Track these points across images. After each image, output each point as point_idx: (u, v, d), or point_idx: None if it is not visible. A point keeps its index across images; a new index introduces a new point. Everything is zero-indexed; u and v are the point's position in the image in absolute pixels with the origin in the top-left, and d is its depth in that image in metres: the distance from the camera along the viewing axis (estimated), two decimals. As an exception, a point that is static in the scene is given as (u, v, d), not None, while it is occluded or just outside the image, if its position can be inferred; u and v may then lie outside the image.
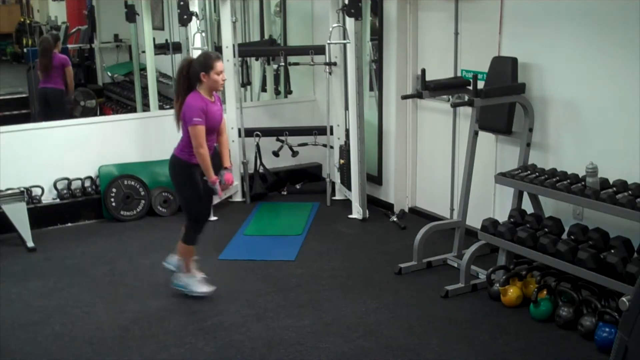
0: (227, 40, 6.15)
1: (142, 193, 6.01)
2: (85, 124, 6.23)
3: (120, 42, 10.19)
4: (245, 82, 6.87)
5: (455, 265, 4.74)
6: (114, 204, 5.92)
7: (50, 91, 7.56)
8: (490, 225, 4.40)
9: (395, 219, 5.76)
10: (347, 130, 6.13)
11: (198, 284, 4.38)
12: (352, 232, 5.60)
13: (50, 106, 7.51)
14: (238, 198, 6.40)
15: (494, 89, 4.48)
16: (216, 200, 5.93)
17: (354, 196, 5.93)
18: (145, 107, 7.64)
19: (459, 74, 5.23)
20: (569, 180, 4.06)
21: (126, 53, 10.03)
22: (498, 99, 4.46)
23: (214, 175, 4.16)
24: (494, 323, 4.03)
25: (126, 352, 3.79)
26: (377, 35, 5.89)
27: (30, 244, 5.33)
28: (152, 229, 5.71)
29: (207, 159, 4.10)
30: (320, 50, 6.18)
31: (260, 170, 6.48)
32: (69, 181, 5.94)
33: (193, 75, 4.13)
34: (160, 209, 6.03)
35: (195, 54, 5.62)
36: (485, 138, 4.81)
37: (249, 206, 6.28)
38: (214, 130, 4.21)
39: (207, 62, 4.11)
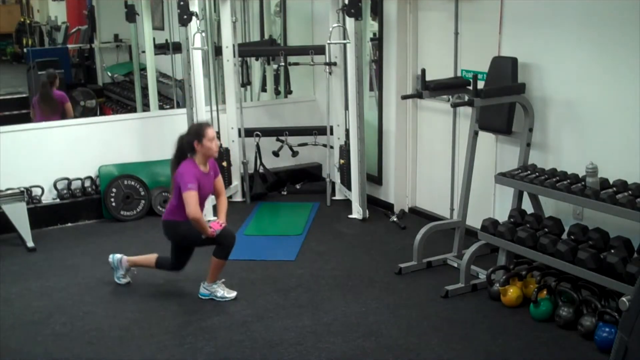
0: (227, 40, 6.15)
1: (142, 193, 6.01)
2: (85, 124, 6.23)
3: (120, 42, 10.19)
4: (245, 82, 6.86)
5: (455, 265, 4.74)
6: (114, 204, 5.92)
7: None
8: (490, 225, 4.40)
9: (395, 219, 5.76)
10: (347, 130, 6.13)
11: (226, 290, 4.41)
12: (352, 232, 5.60)
13: None
14: (238, 198, 6.40)
15: (494, 89, 4.48)
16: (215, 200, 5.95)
17: (354, 196, 5.93)
18: (145, 107, 7.65)
19: (459, 74, 5.23)
20: (569, 180, 4.06)
21: (126, 53, 10.03)
22: (498, 99, 4.46)
23: (209, 229, 4.24)
24: (494, 323, 4.03)
25: (126, 352, 3.79)
26: (377, 35, 5.89)
27: (30, 244, 5.34)
28: (152, 229, 5.70)
29: (202, 221, 4.22)
30: (320, 50, 6.18)
31: (260, 170, 6.48)
32: (69, 181, 5.95)
33: (187, 147, 4.25)
34: (160, 209, 6.03)
35: (196, 54, 5.64)
36: (485, 138, 4.81)
37: (249, 206, 6.28)
38: (202, 200, 4.30)
39: (198, 131, 4.25)
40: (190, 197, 4.13)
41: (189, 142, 4.23)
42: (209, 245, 4.33)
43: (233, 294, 4.41)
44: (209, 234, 4.24)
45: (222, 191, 4.52)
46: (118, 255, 4.64)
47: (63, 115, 7.26)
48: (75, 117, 7.75)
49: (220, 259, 4.34)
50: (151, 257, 4.56)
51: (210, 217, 5.39)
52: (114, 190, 5.92)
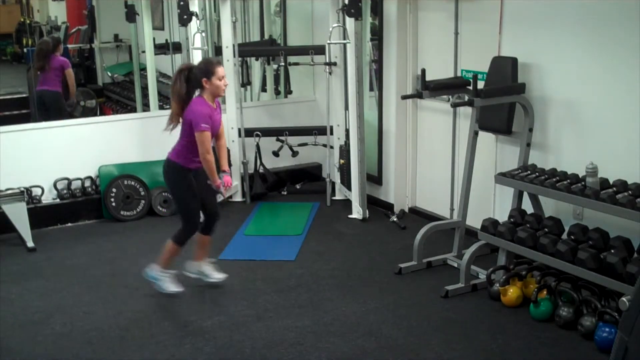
0: (227, 40, 6.15)
1: (142, 193, 6.01)
2: (85, 124, 6.23)
3: (120, 42, 10.18)
4: (245, 82, 6.87)
5: (455, 265, 4.74)
6: (114, 204, 5.92)
7: (46, 93, 7.44)
8: (490, 225, 4.40)
9: (395, 219, 5.76)
10: (347, 130, 6.13)
11: (170, 283, 4.38)
12: (352, 232, 5.60)
13: (47, 109, 7.40)
14: (238, 198, 6.40)
15: (494, 89, 4.48)
16: (218, 199, 5.94)
17: (354, 196, 5.93)
18: (145, 107, 7.64)
19: (459, 74, 5.23)
20: (569, 180, 4.06)
21: (126, 53, 10.02)
22: (498, 99, 4.46)
23: (218, 179, 4.19)
24: (494, 323, 4.03)
25: (126, 352, 3.80)
26: (377, 35, 5.89)
27: (30, 244, 5.34)
28: (152, 229, 5.71)
29: (213, 164, 4.15)
30: (320, 50, 6.18)
31: (260, 170, 6.48)
32: (69, 181, 5.95)
33: (194, 81, 4.15)
34: (160, 209, 6.04)
35: (196, 54, 5.65)
36: (485, 138, 4.81)
37: (249, 206, 6.28)
38: (212, 136, 4.23)
39: (208, 67, 4.14)
40: (204, 137, 4.05)
41: (197, 79, 4.13)
42: (183, 213, 4.27)
43: (176, 289, 4.36)
44: (216, 183, 4.17)
45: (222, 133, 4.41)
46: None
47: (64, 82, 7.38)
48: (75, 117, 7.77)
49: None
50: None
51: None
52: (114, 190, 5.92)
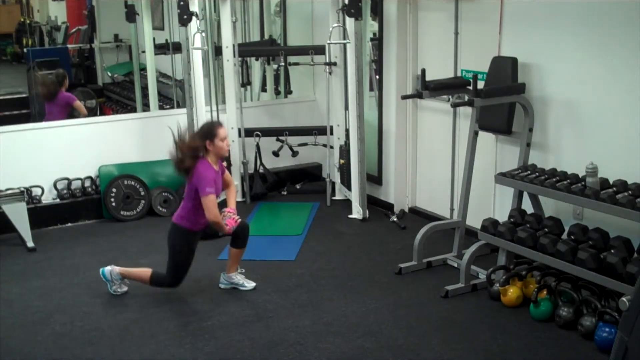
0: (227, 40, 6.15)
1: (142, 193, 6.01)
2: (85, 124, 6.23)
3: (120, 42, 10.19)
4: (245, 82, 6.87)
5: (455, 265, 4.74)
6: (114, 204, 5.92)
7: None
8: (490, 225, 4.40)
9: (395, 219, 5.76)
10: (347, 130, 6.13)
11: (118, 286, 4.47)
12: (352, 232, 5.60)
13: None
14: (238, 198, 6.39)
15: (494, 89, 4.48)
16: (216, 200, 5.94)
17: (354, 196, 5.93)
18: (145, 107, 7.64)
19: (459, 74, 5.23)
20: (569, 180, 4.06)
21: (126, 53, 10.03)
22: (498, 99, 4.46)
23: (226, 227, 4.29)
24: (494, 323, 4.03)
25: (126, 352, 3.79)
26: (377, 35, 5.89)
27: (30, 244, 5.33)
28: (152, 229, 5.71)
29: (221, 222, 4.24)
30: (320, 50, 6.18)
31: (260, 170, 6.48)
32: (69, 181, 5.95)
33: (200, 142, 4.24)
34: (160, 209, 6.03)
35: (196, 54, 5.64)
36: (485, 138, 4.81)
37: (249, 206, 6.28)
38: (217, 195, 4.33)
39: (210, 130, 4.25)
40: (210, 202, 4.14)
41: (202, 141, 4.23)
42: (173, 268, 4.34)
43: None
44: (226, 232, 4.29)
45: (231, 181, 4.55)
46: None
47: (73, 114, 6.99)
48: (76, 117, 7.76)
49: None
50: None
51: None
52: (114, 190, 5.92)
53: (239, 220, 4.38)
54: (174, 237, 4.32)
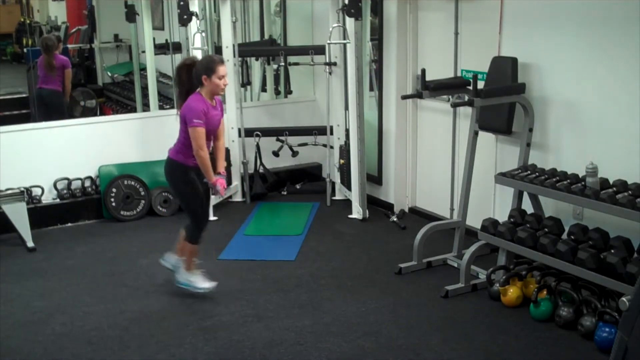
0: (227, 40, 6.15)
1: (142, 193, 6.01)
2: (85, 124, 6.23)
3: (120, 42, 10.19)
4: (245, 82, 6.87)
5: (455, 265, 4.74)
6: (114, 204, 5.92)
7: (47, 92, 7.48)
8: (490, 225, 4.40)
9: (395, 219, 5.76)
10: (347, 130, 6.13)
11: (201, 281, 4.39)
12: (352, 232, 5.60)
13: (48, 108, 7.43)
14: (238, 198, 6.40)
15: (494, 89, 4.48)
16: (217, 200, 5.94)
17: (354, 196, 5.93)
18: (145, 107, 7.64)
19: (459, 74, 5.23)
20: (569, 180, 4.05)
21: (126, 53, 10.03)
22: (498, 99, 4.45)
23: (214, 176, 4.17)
24: (494, 323, 4.03)
25: (126, 352, 3.79)
26: (377, 35, 5.89)
27: (30, 244, 5.33)
28: (152, 229, 5.71)
29: (207, 161, 4.10)
30: (320, 50, 6.18)
31: (260, 170, 6.48)
32: (69, 181, 5.94)
33: (195, 77, 4.13)
34: (160, 209, 6.03)
35: (196, 54, 5.64)
36: (485, 138, 4.81)
37: (249, 206, 6.28)
38: (210, 134, 4.21)
39: (210, 65, 4.11)
40: (197, 133, 4.02)
41: (198, 75, 4.11)
42: (189, 210, 4.27)
43: (210, 284, 4.37)
44: (211, 180, 4.14)
45: (221, 134, 4.38)
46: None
47: (61, 79, 7.43)
48: (76, 117, 7.77)
49: (190, 242, 4.30)
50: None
51: (210, 217, 5.37)
52: (114, 190, 5.92)
53: (223, 187, 4.19)
54: (172, 175, 4.24)
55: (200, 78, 4.10)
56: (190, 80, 4.16)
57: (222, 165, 4.36)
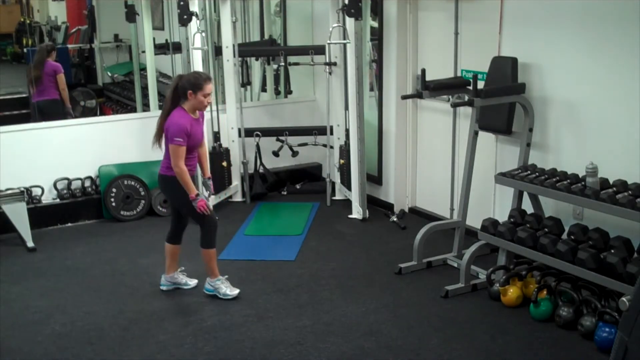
0: (227, 40, 6.15)
1: (142, 193, 6.01)
2: (85, 124, 6.23)
3: (120, 42, 10.18)
4: (245, 82, 6.86)
5: (455, 265, 4.74)
6: (114, 204, 5.92)
7: (44, 103, 7.23)
8: (490, 225, 4.40)
9: (395, 219, 5.76)
10: (347, 130, 6.13)
11: (229, 287, 4.40)
12: (352, 232, 5.60)
13: (48, 118, 6.98)
14: (238, 198, 6.40)
15: (494, 89, 4.48)
16: (216, 200, 5.94)
17: (354, 196, 5.93)
18: (145, 107, 7.64)
19: (459, 74, 5.23)
20: (569, 180, 4.05)
21: (126, 53, 10.02)
22: (498, 99, 4.45)
23: (195, 190, 4.16)
24: (494, 323, 4.03)
25: (126, 352, 3.79)
26: (377, 35, 5.89)
27: (30, 244, 5.34)
28: (152, 229, 5.71)
29: (185, 174, 4.12)
30: (320, 50, 6.18)
31: (260, 170, 6.48)
32: (69, 181, 5.95)
33: (181, 90, 4.16)
34: (160, 209, 6.04)
35: (196, 54, 5.64)
36: (485, 138, 4.81)
37: (249, 206, 6.28)
38: (195, 148, 4.25)
39: (197, 82, 4.13)
40: (176, 150, 4.05)
41: (184, 89, 4.12)
42: (196, 217, 4.26)
43: (236, 291, 4.40)
44: (191, 193, 4.11)
45: (204, 142, 4.42)
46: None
47: (56, 86, 7.25)
48: (75, 117, 7.76)
49: (205, 248, 4.31)
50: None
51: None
52: (114, 190, 5.92)
53: (211, 210, 4.21)
54: (168, 190, 4.29)
55: (186, 92, 4.13)
56: (176, 94, 4.17)
57: (207, 169, 4.47)
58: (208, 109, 5.98)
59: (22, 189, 5.58)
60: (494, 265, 4.42)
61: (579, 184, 3.97)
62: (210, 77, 4.26)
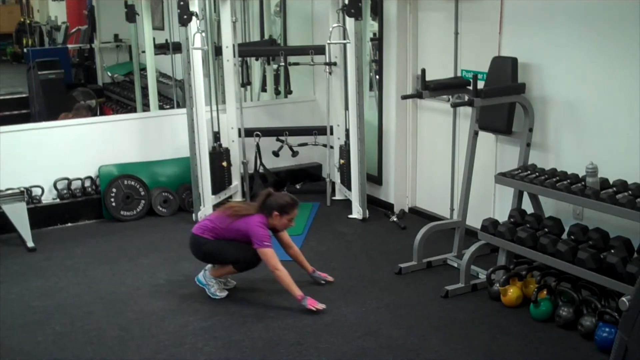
0: (227, 40, 6.15)
1: (142, 193, 6.01)
2: (85, 124, 6.23)
3: (120, 42, 10.20)
4: (245, 82, 6.86)
5: (455, 265, 4.74)
6: (114, 204, 5.92)
7: None
8: (490, 225, 4.40)
9: (395, 219, 5.76)
10: (347, 130, 6.13)
11: (220, 289, 4.43)
12: (352, 232, 5.60)
13: None
14: (238, 198, 6.40)
15: (494, 89, 4.48)
16: (216, 200, 5.94)
17: (354, 196, 5.93)
18: (145, 107, 7.64)
19: (459, 74, 5.23)
20: (569, 180, 4.05)
21: (126, 53, 10.04)
22: (498, 99, 4.45)
23: (299, 290, 4.18)
24: (494, 323, 4.03)
25: (126, 352, 3.79)
26: (377, 35, 5.89)
27: (30, 244, 5.33)
28: (152, 229, 5.71)
29: (287, 277, 4.18)
30: (320, 50, 6.18)
31: (260, 170, 6.48)
32: (69, 181, 5.95)
33: (267, 207, 4.27)
34: (160, 209, 6.03)
35: (196, 54, 5.63)
36: (485, 138, 4.81)
37: (249, 206, 6.27)
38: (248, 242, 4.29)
39: (286, 207, 4.28)
40: (269, 254, 4.17)
41: (271, 207, 4.26)
42: (232, 259, 4.34)
43: (224, 293, 4.42)
44: (297, 297, 4.15)
45: (291, 243, 4.57)
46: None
47: None
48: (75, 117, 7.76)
49: (236, 270, 4.38)
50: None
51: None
52: (114, 190, 5.92)
53: (323, 306, 4.19)
54: (201, 246, 4.32)
55: (272, 212, 4.25)
56: (263, 206, 4.28)
57: (307, 263, 4.59)
58: (208, 109, 6.03)
59: (22, 189, 5.57)
60: (494, 265, 4.42)
61: (579, 184, 3.97)
62: (297, 202, 4.39)
